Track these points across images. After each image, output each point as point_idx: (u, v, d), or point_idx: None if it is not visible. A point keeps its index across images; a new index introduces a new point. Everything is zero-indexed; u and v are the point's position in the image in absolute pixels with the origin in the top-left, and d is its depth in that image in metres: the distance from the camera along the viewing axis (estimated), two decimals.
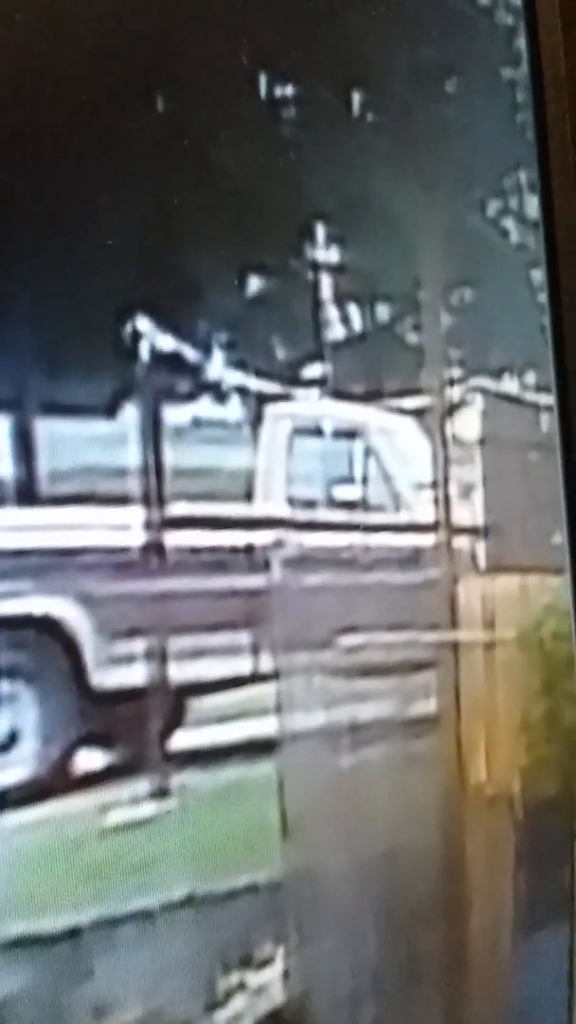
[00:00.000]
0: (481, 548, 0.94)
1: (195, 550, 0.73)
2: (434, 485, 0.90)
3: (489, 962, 0.96)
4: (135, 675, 0.71)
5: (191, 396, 0.73)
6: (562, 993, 1.01)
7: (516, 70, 0.92)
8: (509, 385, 0.95)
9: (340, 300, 0.82)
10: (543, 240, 0.93)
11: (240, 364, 0.75)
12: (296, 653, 0.79)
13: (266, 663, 0.77)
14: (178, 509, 0.72)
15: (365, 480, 0.85)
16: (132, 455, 0.70)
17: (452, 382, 0.91)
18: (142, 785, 0.70)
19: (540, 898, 0.99)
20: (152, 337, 0.71)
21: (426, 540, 0.90)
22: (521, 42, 0.91)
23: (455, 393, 0.91)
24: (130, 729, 0.70)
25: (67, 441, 0.68)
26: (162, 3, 0.73)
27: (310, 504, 0.81)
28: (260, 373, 0.77)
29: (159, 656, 0.72)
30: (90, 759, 0.68)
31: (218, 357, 0.74)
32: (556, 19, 0.91)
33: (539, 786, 0.98)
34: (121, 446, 0.70)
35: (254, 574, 0.77)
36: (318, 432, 0.82)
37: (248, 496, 0.77)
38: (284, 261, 0.79)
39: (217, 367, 0.74)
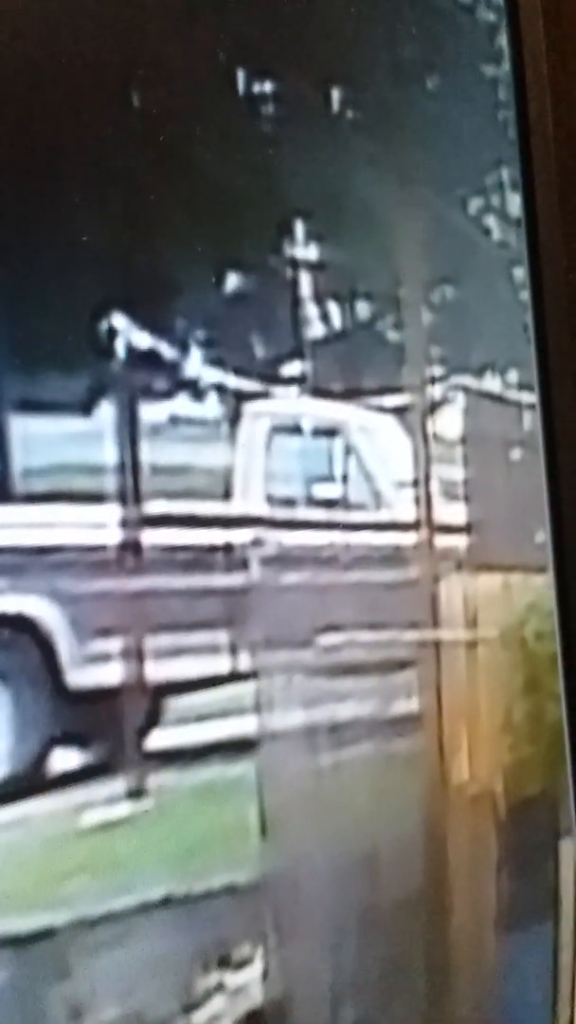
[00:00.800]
0: (463, 546, 0.94)
1: (172, 548, 0.73)
2: (415, 483, 0.90)
3: (472, 961, 0.96)
4: (111, 674, 0.70)
5: (168, 394, 0.73)
6: (545, 992, 1.01)
7: (498, 67, 0.92)
8: (491, 383, 0.95)
9: (320, 298, 0.81)
10: (525, 238, 0.93)
11: (218, 362, 0.75)
12: (275, 652, 0.79)
13: (245, 662, 0.77)
14: (155, 507, 0.72)
15: (345, 478, 0.84)
16: (108, 453, 0.70)
17: (433, 380, 0.91)
18: (118, 785, 0.70)
19: (523, 897, 0.99)
20: (128, 334, 0.70)
21: (407, 539, 0.89)
22: (503, 39, 0.91)
23: (436, 391, 0.91)
24: (106, 728, 0.70)
25: (42, 438, 0.67)
26: None
27: (289, 502, 0.81)
28: (238, 371, 0.76)
29: (136, 655, 0.71)
30: (65, 758, 0.68)
31: (196, 354, 0.74)
32: (538, 16, 0.91)
33: (522, 785, 0.98)
34: (97, 444, 0.69)
35: (232, 573, 0.76)
36: (297, 430, 0.82)
37: (226, 494, 0.76)
38: (263, 258, 0.78)
39: (195, 364, 0.74)
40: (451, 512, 0.93)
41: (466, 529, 0.94)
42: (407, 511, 0.89)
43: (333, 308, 0.82)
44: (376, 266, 0.87)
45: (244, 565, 0.77)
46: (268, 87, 0.78)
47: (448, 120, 0.91)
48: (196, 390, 0.74)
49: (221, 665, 0.76)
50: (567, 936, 1.01)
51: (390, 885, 0.87)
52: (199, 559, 0.75)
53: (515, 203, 0.93)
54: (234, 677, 0.77)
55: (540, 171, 0.92)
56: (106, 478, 0.70)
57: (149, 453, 0.71)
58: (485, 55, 0.92)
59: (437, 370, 0.91)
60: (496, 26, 0.92)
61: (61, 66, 0.69)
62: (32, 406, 0.67)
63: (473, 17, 0.93)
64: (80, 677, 0.69)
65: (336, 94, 0.83)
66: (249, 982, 0.76)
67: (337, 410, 0.84)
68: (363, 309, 0.85)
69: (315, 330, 0.81)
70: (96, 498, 0.70)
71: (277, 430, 0.79)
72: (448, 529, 0.92)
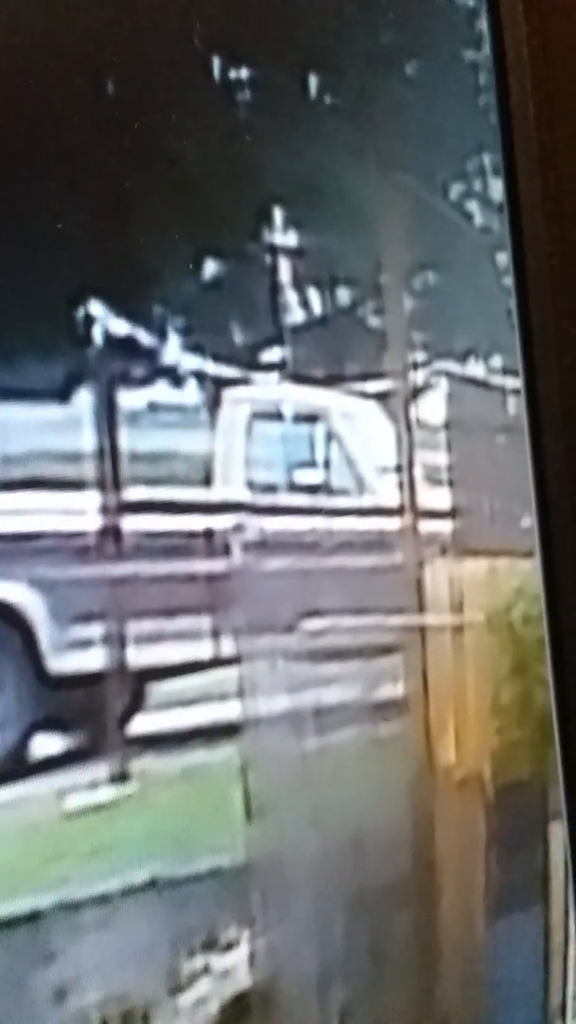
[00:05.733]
0: (448, 532, 0.94)
1: (153, 534, 0.74)
2: (399, 469, 0.90)
3: (463, 944, 0.96)
4: (93, 659, 0.71)
5: (146, 380, 0.73)
6: (538, 975, 1.01)
7: (478, 52, 0.91)
8: (475, 368, 0.95)
9: (299, 284, 0.82)
10: (508, 223, 0.92)
11: (197, 348, 0.75)
12: (259, 637, 0.79)
13: (228, 647, 0.77)
14: (135, 494, 0.72)
15: (327, 464, 0.85)
16: (87, 440, 0.70)
17: (416, 366, 0.91)
18: (101, 769, 0.71)
19: (514, 880, 0.99)
20: (105, 321, 0.71)
21: (391, 524, 0.90)
22: (483, 24, 0.90)
23: (419, 377, 0.91)
24: (88, 713, 0.70)
25: (19, 425, 0.68)
26: None
27: (270, 488, 0.81)
28: (217, 357, 0.77)
29: (118, 641, 0.72)
30: (48, 743, 0.69)
31: (174, 341, 0.74)
32: (518, 0, 0.91)
33: (511, 769, 0.98)
34: (75, 431, 0.70)
35: (214, 558, 0.77)
36: (278, 416, 0.82)
37: (207, 480, 0.77)
38: (241, 245, 0.79)
39: (173, 351, 0.74)
40: (435, 497, 0.93)
41: (451, 514, 0.94)
42: (390, 496, 0.89)
43: (313, 294, 0.83)
44: (356, 252, 0.87)
45: (226, 551, 0.77)
46: (244, 74, 0.78)
47: (428, 105, 0.91)
48: (175, 377, 0.74)
49: (204, 650, 0.76)
50: (558, 918, 1.01)
51: (377, 868, 0.87)
52: (180, 545, 0.75)
53: (497, 188, 0.93)
54: (217, 662, 0.77)
55: (522, 156, 0.92)
56: (85, 465, 0.70)
57: (128, 440, 0.72)
58: (465, 40, 0.92)
59: (420, 356, 0.91)
60: (476, 10, 0.92)
61: (36, 55, 0.69)
62: (9, 393, 0.67)
63: (452, 1, 0.93)
64: (61, 663, 0.69)
65: (314, 80, 0.83)
66: (236, 965, 0.77)
67: (318, 396, 0.85)
68: (343, 295, 0.85)
69: (295, 316, 0.81)
70: (75, 485, 0.70)
71: (257, 416, 0.80)
72: (432, 514, 0.93)
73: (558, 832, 1.00)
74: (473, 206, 0.94)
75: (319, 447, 0.84)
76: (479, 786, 0.96)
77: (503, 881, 0.98)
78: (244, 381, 0.79)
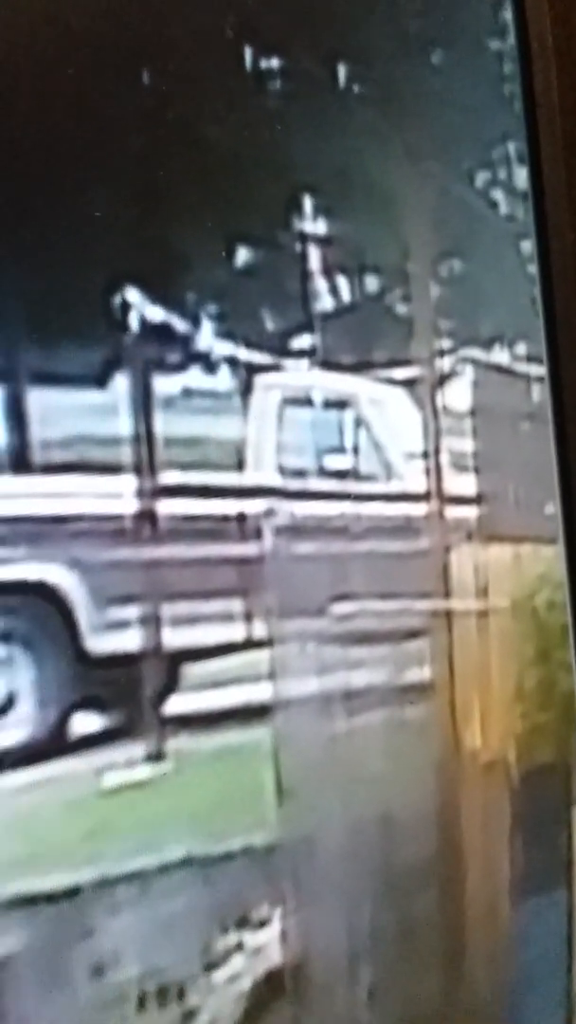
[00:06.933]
0: (473, 518, 0.95)
1: (187, 518, 0.75)
2: (425, 455, 0.91)
3: (487, 927, 0.97)
4: (129, 640, 0.72)
5: (181, 366, 0.74)
6: (561, 958, 1.02)
7: (503, 41, 0.92)
8: (500, 356, 0.96)
9: (328, 271, 0.83)
10: (532, 211, 0.93)
11: (229, 335, 0.76)
12: (289, 620, 0.80)
13: (259, 630, 0.79)
14: (170, 478, 0.74)
15: (356, 450, 0.86)
16: (123, 424, 0.72)
17: (442, 353, 0.92)
18: (138, 748, 0.72)
19: (538, 864, 1.00)
20: (141, 308, 0.72)
21: (418, 509, 0.91)
22: (508, 13, 0.91)
23: (445, 364, 0.92)
24: (125, 693, 0.72)
25: (59, 410, 0.69)
26: None
27: (301, 473, 0.82)
28: (249, 344, 0.78)
29: (153, 622, 0.73)
30: (86, 722, 0.70)
31: (207, 328, 0.75)
32: None
33: (535, 753, 0.99)
34: (112, 415, 0.71)
35: (246, 542, 0.78)
36: (308, 402, 0.83)
37: (239, 465, 0.78)
38: (272, 233, 0.80)
39: (207, 338, 0.75)
40: (461, 484, 0.94)
41: (476, 500, 0.95)
42: (417, 482, 0.90)
43: (342, 281, 0.84)
44: (384, 240, 0.88)
45: (258, 535, 0.78)
46: (275, 63, 0.79)
47: (454, 94, 0.92)
48: (208, 363, 0.75)
49: (236, 632, 0.78)
50: None
51: (405, 850, 0.88)
52: (213, 529, 0.76)
53: (522, 176, 0.94)
54: (249, 644, 0.78)
55: (546, 144, 0.93)
56: (122, 449, 0.72)
57: (163, 425, 0.73)
58: (490, 29, 0.93)
59: (446, 343, 0.92)
60: (501, 0, 0.92)
61: (73, 46, 0.70)
62: (49, 378, 0.68)
63: None
64: (99, 643, 0.71)
65: (342, 69, 0.84)
66: (268, 942, 0.78)
67: (347, 382, 0.86)
68: (372, 282, 0.86)
69: (324, 303, 0.83)
70: (112, 469, 0.71)
71: (288, 402, 0.81)
72: (458, 500, 0.93)
73: None
74: (498, 194, 0.95)
75: (348, 433, 0.85)
76: (504, 770, 0.97)
77: (527, 865, 0.99)
78: (275, 367, 0.80)
